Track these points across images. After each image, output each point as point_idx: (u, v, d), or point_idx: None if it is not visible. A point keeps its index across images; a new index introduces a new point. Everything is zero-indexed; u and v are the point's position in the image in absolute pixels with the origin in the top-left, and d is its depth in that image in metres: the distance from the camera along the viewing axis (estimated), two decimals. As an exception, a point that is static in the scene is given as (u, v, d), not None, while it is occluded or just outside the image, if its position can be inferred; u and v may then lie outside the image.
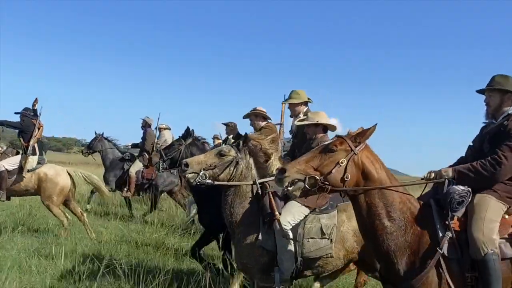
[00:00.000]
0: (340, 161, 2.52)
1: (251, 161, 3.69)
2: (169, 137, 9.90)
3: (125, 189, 9.22)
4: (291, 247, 3.44)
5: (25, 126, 6.93)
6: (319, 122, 3.88)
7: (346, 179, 2.52)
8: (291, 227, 3.45)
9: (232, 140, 4.75)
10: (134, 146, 10.22)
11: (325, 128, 3.95)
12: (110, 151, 9.92)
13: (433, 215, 2.59)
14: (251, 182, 3.58)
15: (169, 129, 10.16)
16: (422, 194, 2.86)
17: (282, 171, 2.51)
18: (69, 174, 7.05)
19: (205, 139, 5.02)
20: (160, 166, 4.64)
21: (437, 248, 2.46)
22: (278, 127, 5.21)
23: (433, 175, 2.75)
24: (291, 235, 3.44)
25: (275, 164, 4.10)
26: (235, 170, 3.57)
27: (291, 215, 3.48)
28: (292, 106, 4.84)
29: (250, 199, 3.57)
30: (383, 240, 2.54)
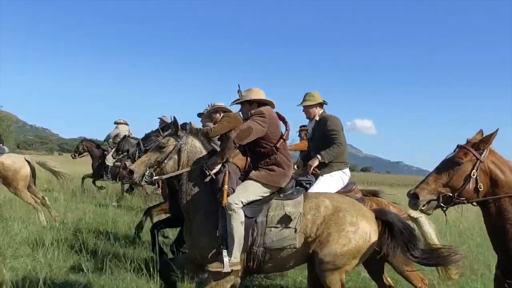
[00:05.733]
0: (471, 173, 2.56)
1: (197, 143, 3.51)
2: (123, 130, 10.30)
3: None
4: (241, 229, 3.13)
5: None
6: (252, 98, 3.57)
7: (480, 189, 2.55)
8: (241, 206, 3.18)
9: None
10: None
11: (262, 104, 3.60)
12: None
13: None
14: (186, 169, 3.41)
15: (127, 124, 10.53)
16: None
17: (415, 196, 2.59)
18: (27, 161, 7.23)
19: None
20: (136, 157, 4.52)
21: None
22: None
23: None
24: (242, 217, 3.15)
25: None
26: (179, 157, 3.42)
27: (244, 194, 3.23)
28: (307, 109, 4.66)
29: (206, 183, 3.35)
30: None
